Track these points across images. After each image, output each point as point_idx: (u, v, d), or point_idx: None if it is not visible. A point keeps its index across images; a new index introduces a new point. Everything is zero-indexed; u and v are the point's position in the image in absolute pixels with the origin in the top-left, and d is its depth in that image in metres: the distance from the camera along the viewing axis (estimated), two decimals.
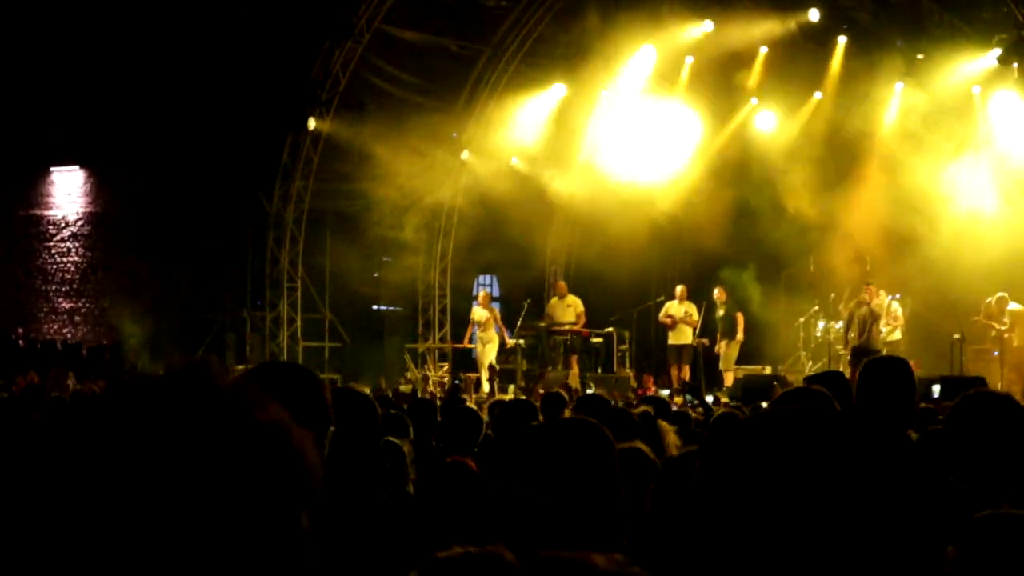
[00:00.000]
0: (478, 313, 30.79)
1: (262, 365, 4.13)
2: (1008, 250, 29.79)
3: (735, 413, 11.27)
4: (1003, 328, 28.46)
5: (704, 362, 30.78)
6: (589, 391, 22.44)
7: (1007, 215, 30.46)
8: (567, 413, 11.34)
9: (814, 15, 30.28)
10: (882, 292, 28.80)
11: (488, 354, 30.22)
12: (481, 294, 32.12)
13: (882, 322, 28.80)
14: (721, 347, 30.60)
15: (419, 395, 23.62)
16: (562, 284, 32.25)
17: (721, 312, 30.53)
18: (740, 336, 30.64)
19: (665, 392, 27.30)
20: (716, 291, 30.84)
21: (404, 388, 26.94)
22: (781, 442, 3.38)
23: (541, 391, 22.12)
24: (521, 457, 4.67)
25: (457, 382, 30.30)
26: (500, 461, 7.90)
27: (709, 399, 22.77)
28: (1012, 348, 28.36)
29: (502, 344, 30.62)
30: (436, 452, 9.56)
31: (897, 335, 29.82)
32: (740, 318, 30.69)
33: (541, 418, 10.38)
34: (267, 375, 4.32)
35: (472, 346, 31.20)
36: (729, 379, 30.12)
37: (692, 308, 30.67)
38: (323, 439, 4.22)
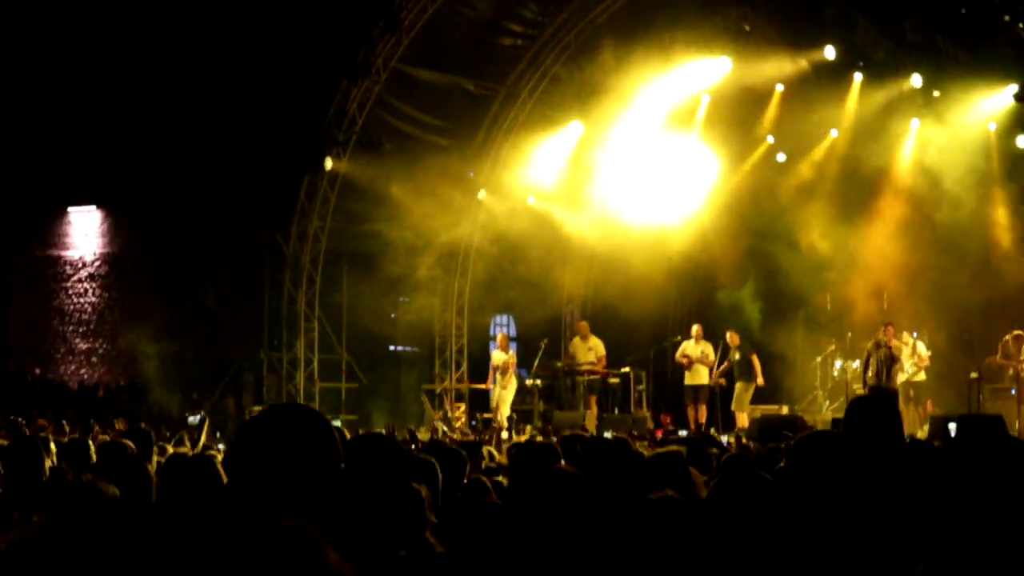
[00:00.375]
0: (498, 357, 30.68)
1: (271, 408, 4.04)
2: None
3: (745, 456, 11.25)
4: (1020, 366, 28.39)
5: (721, 402, 30.69)
6: (607, 434, 22.39)
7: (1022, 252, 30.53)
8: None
9: (830, 52, 30.20)
10: (904, 333, 28.90)
11: (507, 399, 30.22)
12: (499, 337, 32.11)
13: (908, 362, 28.95)
14: (738, 388, 30.37)
15: (439, 439, 23.52)
16: (584, 325, 32.11)
17: (737, 355, 30.35)
18: (760, 380, 30.38)
19: (683, 432, 27.27)
20: (728, 335, 30.67)
21: (422, 436, 26.83)
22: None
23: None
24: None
25: (473, 423, 30.33)
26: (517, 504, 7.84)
27: (724, 439, 22.70)
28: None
29: (520, 387, 30.61)
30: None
31: (922, 375, 29.86)
32: (756, 361, 30.44)
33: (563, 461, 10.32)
34: (276, 419, 4.29)
35: (491, 386, 31.14)
36: (742, 420, 29.94)
37: (709, 348, 30.53)
38: (334, 483, 4.18)
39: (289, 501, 4.02)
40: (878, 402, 6.87)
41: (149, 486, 9.40)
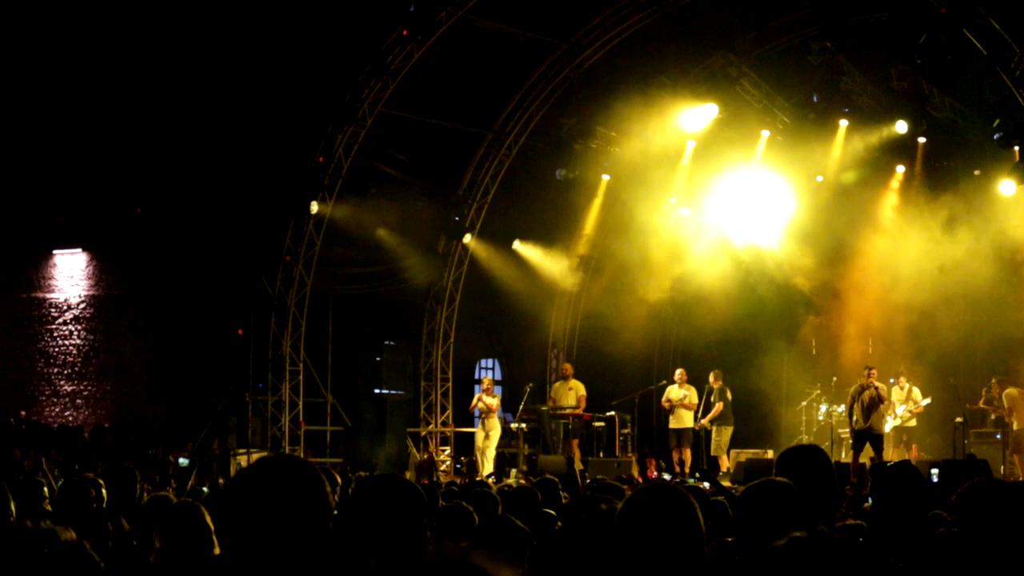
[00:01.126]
0: (484, 401, 30.74)
1: (262, 461, 4.10)
2: (1006, 334, 30.00)
3: (723, 503, 11.25)
4: (1002, 412, 28.43)
5: (706, 445, 30.65)
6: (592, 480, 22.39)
7: (1006, 299, 30.58)
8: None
9: (816, 99, 30.41)
10: (902, 378, 29.41)
11: (492, 442, 30.21)
12: (485, 381, 32.11)
13: (903, 407, 29.21)
14: (713, 431, 30.38)
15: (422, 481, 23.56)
16: (568, 367, 32.17)
17: (714, 397, 30.28)
18: (706, 420, 30.20)
19: (667, 476, 27.28)
20: (711, 376, 30.59)
21: (408, 476, 26.88)
22: None
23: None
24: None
25: (458, 465, 30.33)
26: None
27: (705, 485, 22.68)
28: (1012, 431, 28.18)
29: (505, 431, 30.64)
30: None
31: (914, 421, 30.00)
32: (719, 406, 30.11)
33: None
34: (267, 471, 4.31)
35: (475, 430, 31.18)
36: (724, 463, 29.97)
37: (692, 391, 30.42)
38: (325, 531, 4.21)
39: (281, 552, 4.07)
40: (809, 452, 6.79)
41: (106, 530, 9.48)
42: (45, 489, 11.06)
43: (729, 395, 30.32)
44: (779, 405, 33.44)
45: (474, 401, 31.27)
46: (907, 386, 29.73)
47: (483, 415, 30.55)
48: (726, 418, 30.22)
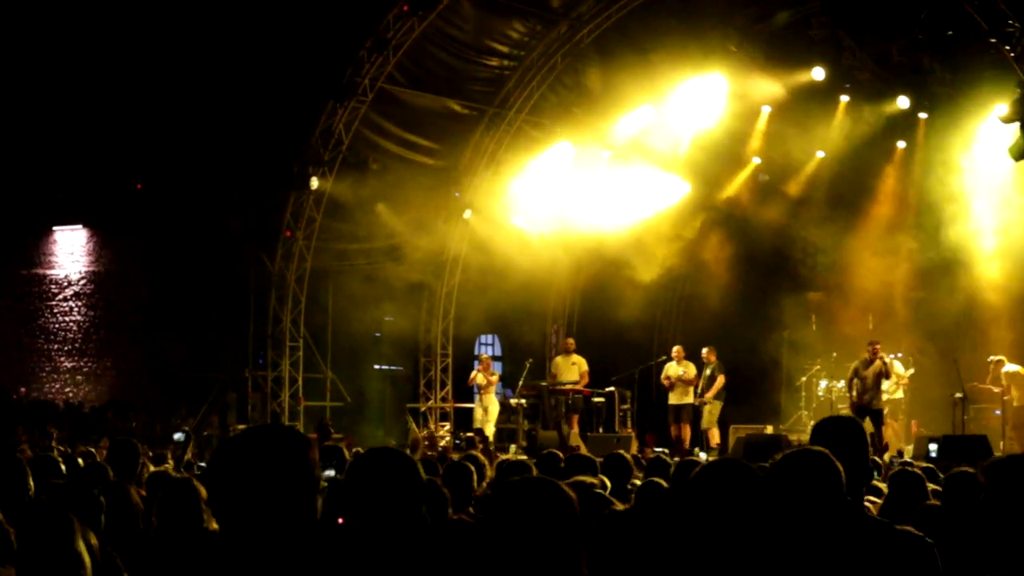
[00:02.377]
0: (480, 378, 30.97)
1: (248, 431, 4.13)
2: (1007, 308, 30.06)
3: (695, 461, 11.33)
4: (1000, 390, 28.49)
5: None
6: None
7: (1006, 273, 30.63)
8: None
9: (818, 74, 30.15)
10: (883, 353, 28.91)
11: (491, 418, 30.39)
12: (482, 358, 32.25)
13: (887, 382, 28.80)
14: (706, 407, 30.44)
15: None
16: (570, 341, 32.16)
17: (708, 372, 30.35)
18: (709, 396, 30.21)
19: (664, 450, 27.27)
20: (705, 351, 30.61)
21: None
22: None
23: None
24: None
25: (457, 441, 30.34)
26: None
27: (704, 457, 22.67)
28: (1012, 408, 28.24)
29: (504, 407, 30.76)
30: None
31: (900, 394, 30.09)
32: (720, 380, 30.27)
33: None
34: (253, 440, 4.29)
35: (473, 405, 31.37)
36: (713, 437, 30.08)
37: (691, 367, 30.48)
38: (311, 500, 4.24)
39: (266, 517, 4.09)
40: (845, 424, 6.71)
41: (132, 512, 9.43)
42: (62, 465, 11.10)
43: (721, 373, 30.37)
44: (778, 381, 33.52)
45: (472, 376, 31.43)
46: (889, 360, 29.52)
47: (481, 391, 30.67)
48: (719, 393, 30.30)
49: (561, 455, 13.70)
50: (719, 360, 30.48)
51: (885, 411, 28.53)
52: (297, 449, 4.22)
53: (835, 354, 31.49)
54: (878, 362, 27.36)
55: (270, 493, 4.11)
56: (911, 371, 30.71)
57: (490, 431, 30.02)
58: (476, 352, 36.66)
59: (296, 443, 4.28)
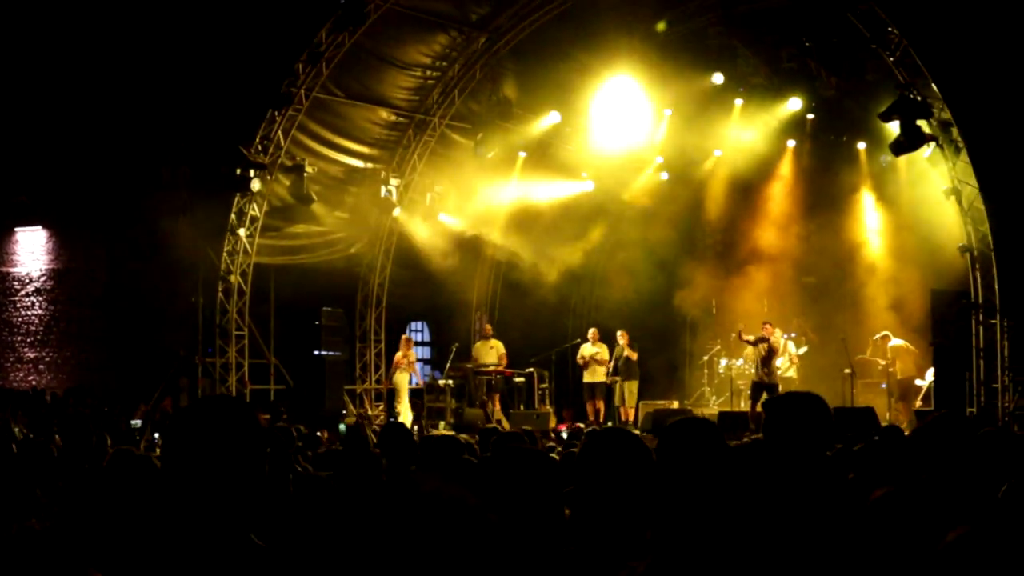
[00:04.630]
0: (398, 355, 32.25)
1: (200, 399, 5.04)
2: (890, 290, 31.84)
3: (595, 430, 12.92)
4: (885, 363, 30.03)
5: (611, 398, 31.92)
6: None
7: (888, 258, 32.51)
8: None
9: (718, 78, 31.31)
10: (777, 331, 30.02)
11: (397, 394, 31.80)
12: (402, 338, 33.34)
13: (778, 359, 30.04)
14: (624, 387, 31.59)
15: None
16: (488, 327, 33.49)
17: (622, 353, 31.51)
18: (634, 378, 31.69)
19: (581, 425, 28.90)
20: (618, 333, 31.83)
21: (348, 421, 28.61)
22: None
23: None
24: None
25: (391, 418, 31.87)
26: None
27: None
28: (896, 380, 29.71)
29: (432, 387, 32.12)
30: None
31: (792, 372, 31.23)
32: (635, 357, 31.60)
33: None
34: (205, 409, 4.39)
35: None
36: (626, 414, 31.27)
37: (604, 348, 31.66)
38: (261, 465, 4.27)
39: (219, 483, 4.15)
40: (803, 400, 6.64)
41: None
42: (14, 446, 11.82)
43: (634, 353, 31.70)
44: (683, 360, 34.80)
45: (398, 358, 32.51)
46: (783, 341, 30.83)
47: (396, 368, 32.12)
48: (633, 373, 31.61)
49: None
50: (631, 341, 31.86)
51: (780, 388, 30.07)
52: (246, 410, 4.31)
53: (733, 335, 32.36)
54: (766, 342, 28.92)
55: (227, 450, 4.16)
56: (804, 349, 31.93)
57: (401, 407, 31.32)
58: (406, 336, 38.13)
59: (244, 406, 4.37)
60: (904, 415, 28.72)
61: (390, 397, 33.58)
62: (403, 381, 32.03)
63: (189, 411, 4.35)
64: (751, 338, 29.10)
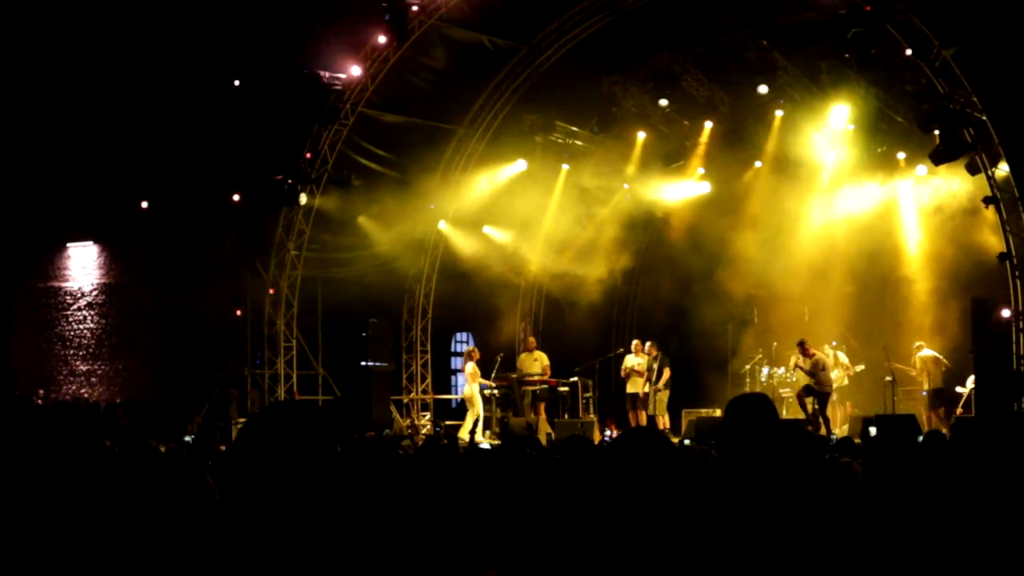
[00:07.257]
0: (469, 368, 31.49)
1: (270, 405, 4.90)
2: (929, 298, 31.70)
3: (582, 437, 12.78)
4: (915, 372, 30.02)
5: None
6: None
7: (928, 266, 32.37)
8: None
9: (763, 89, 31.22)
10: (825, 345, 30.55)
11: (470, 405, 31.11)
12: (467, 350, 32.62)
13: (834, 372, 30.41)
14: (653, 396, 31.55)
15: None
16: (531, 340, 33.27)
17: (653, 364, 31.59)
18: (660, 384, 31.62)
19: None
20: (647, 345, 31.89)
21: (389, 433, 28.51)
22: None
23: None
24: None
25: (438, 429, 32.00)
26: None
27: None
28: (930, 390, 29.82)
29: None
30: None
31: (846, 380, 31.53)
32: (667, 371, 31.67)
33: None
34: (277, 412, 4.43)
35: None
36: (661, 423, 31.25)
37: (647, 359, 31.72)
38: (332, 458, 4.30)
39: (294, 478, 4.17)
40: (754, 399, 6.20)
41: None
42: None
43: (666, 366, 31.72)
44: (725, 369, 34.30)
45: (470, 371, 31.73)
46: (832, 351, 31.12)
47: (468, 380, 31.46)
48: (667, 383, 31.67)
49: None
50: (661, 353, 31.78)
51: (833, 398, 30.13)
52: (323, 413, 4.39)
53: (775, 343, 32.68)
54: (807, 360, 29.07)
55: (298, 453, 4.19)
56: (861, 367, 31.88)
57: (470, 418, 30.85)
58: (452, 348, 37.76)
59: (320, 410, 4.47)
60: (938, 423, 28.56)
61: (431, 408, 33.74)
62: (474, 393, 31.47)
63: (269, 412, 4.39)
64: (806, 366, 29.13)
